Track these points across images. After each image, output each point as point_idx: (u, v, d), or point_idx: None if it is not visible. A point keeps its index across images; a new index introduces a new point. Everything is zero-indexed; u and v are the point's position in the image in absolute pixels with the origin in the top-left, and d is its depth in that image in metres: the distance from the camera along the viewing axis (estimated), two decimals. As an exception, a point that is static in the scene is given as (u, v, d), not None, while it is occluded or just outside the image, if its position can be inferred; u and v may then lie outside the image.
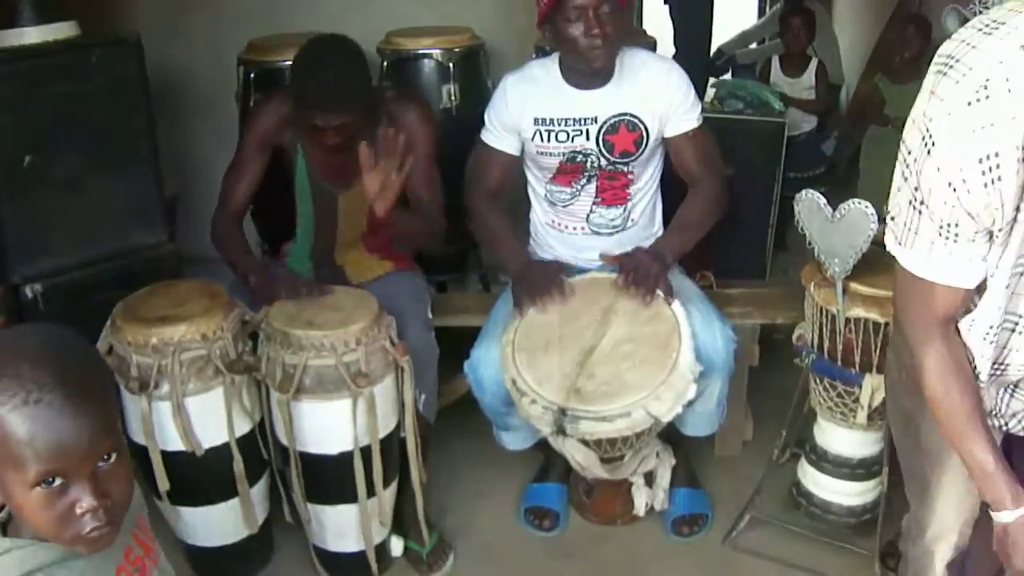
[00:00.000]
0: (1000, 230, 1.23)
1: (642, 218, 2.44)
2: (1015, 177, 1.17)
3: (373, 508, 2.20)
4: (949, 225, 1.22)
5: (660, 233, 2.45)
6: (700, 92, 2.87)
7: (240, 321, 2.14)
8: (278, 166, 2.45)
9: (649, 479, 2.46)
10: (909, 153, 1.25)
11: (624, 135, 2.29)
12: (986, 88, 1.13)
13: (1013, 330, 1.36)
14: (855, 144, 3.95)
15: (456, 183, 2.44)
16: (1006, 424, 1.50)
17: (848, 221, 2.02)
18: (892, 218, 1.34)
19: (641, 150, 2.32)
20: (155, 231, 2.54)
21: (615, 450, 2.19)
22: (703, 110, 2.40)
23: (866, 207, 2.00)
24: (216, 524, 2.23)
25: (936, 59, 1.22)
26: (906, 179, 1.26)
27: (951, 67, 1.17)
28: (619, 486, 2.44)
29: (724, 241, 2.80)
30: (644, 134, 2.30)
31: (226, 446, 2.10)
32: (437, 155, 2.41)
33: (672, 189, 2.47)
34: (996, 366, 1.40)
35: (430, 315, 2.46)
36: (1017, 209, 1.22)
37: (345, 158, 2.27)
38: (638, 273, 2.21)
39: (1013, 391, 1.46)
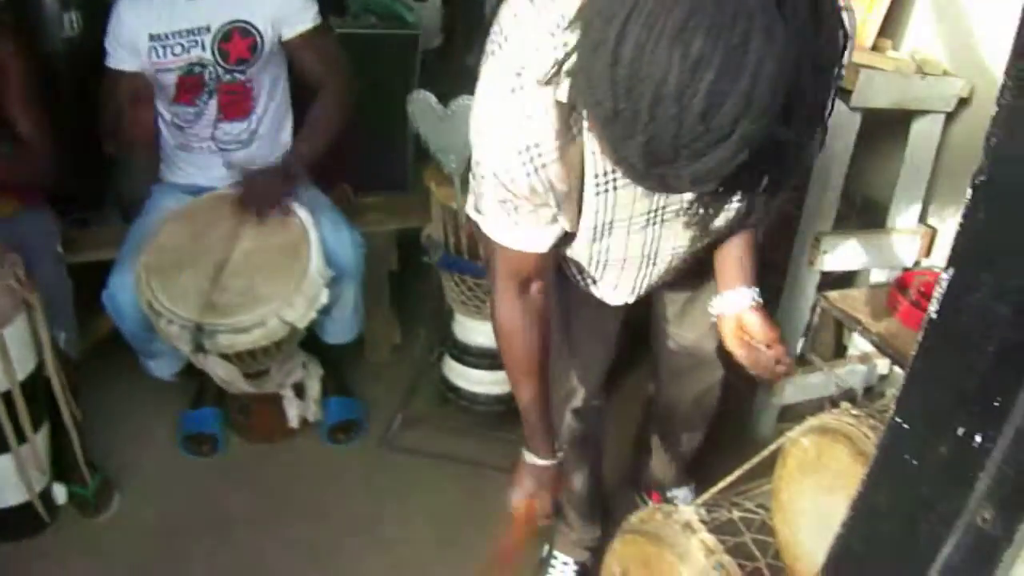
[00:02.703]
0: (558, 205, 1.41)
1: (269, 132, 2.70)
2: (558, 163, 1.32)
3: (28, 455, 2.31)
4: (507, 201, 1.39)
5: (288, 146, 2.72)
6: (332, 6, 3.20)
7: None
8: None
9: (300, 392, 2.76)
10: (472, 124, 1.37)
11: (238, 42, 2.53)
12: (520, 77, 1.25)
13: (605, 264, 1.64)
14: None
15: (90, 114, 2.59)
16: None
17: (460, 117, 2.34)
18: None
19: (256, 55, 2.56)
20: None
21: (257, 363, 2.46)
22: (337, 27, 2.72)
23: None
24: None
25: (493, 29, 1.31)
26: (474, 147, 1.39)
27: (500, 47, 1.28)
28: (271, 402, 2.73)
29: (363, 155, 3.12)
30: (258, 39, 2.54)
31: None
32: (41, 87, 2.50)
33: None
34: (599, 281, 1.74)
35: (60, 250, 2.61)
36: (582, 181, 1.39)
37: None
38: (252, 193, 2.49)
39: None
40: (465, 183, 2.41)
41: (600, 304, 1.82)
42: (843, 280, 2.76)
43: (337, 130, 2.64)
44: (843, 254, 2.59)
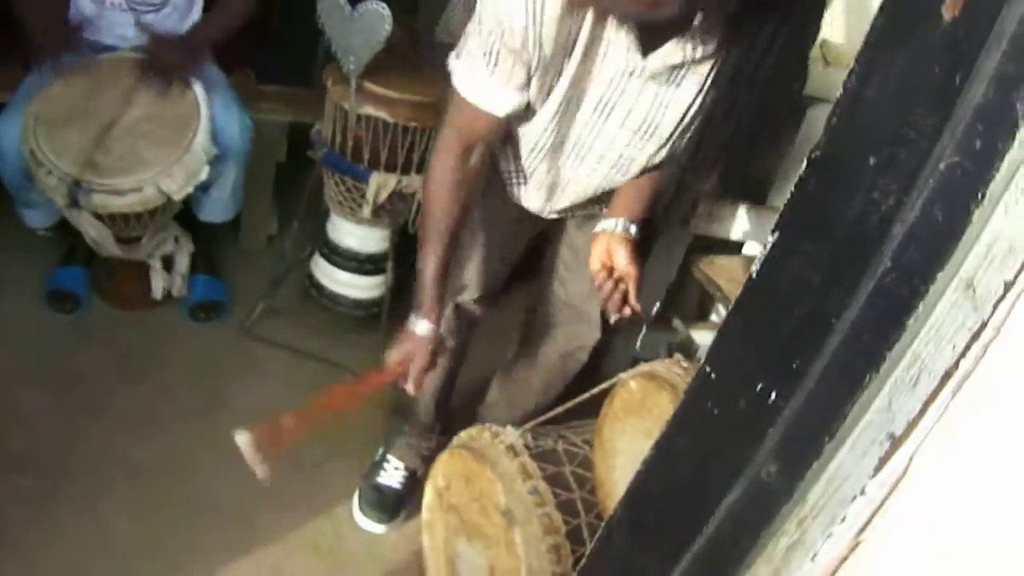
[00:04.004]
0: (537, 69, 1.57)
1: (183, 2, 2.82)
2: (556, 23, 1.49)
3: None
4: (490, 53, 1.55)
5: (197, 20, 2.85)
6: None
7: None
8: None
9: (168, 265, 2.92)
10: None
11: None
12: None
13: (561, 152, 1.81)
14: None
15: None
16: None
17: (366, 20, 2.49)
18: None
19: None
20: None
21: (130, 228, 2.63)
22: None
23: (383, 8, 2.47)
24: None
25: None
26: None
27: None
28: (138, 269, 2.88)
29: (273, 45, 3.30)
30: None
31: None
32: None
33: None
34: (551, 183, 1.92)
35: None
36: (568, 55, 1.57)
37: None
38: (156, 59, 2.62)
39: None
40: (360, 87, 2.58)
41: (517, 220, 2.03)
42: (715, 249, 2.99)
43: (248, 14, 2.80)
44: (719, 222, 2.80)
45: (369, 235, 2.88)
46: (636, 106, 1.69)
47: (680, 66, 1.61)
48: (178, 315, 3.00)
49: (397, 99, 2.59)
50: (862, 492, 0.79)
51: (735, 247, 2.90)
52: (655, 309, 2.91)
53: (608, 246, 1.88)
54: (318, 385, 2.69)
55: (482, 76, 1.63)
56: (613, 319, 1.93)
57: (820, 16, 1.41)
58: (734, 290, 2.69)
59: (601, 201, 1.97)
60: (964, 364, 0.72)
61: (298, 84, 3.17)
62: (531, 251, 2.29)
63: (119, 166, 2.50)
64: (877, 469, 0.78)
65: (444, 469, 2.07)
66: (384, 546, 2.48)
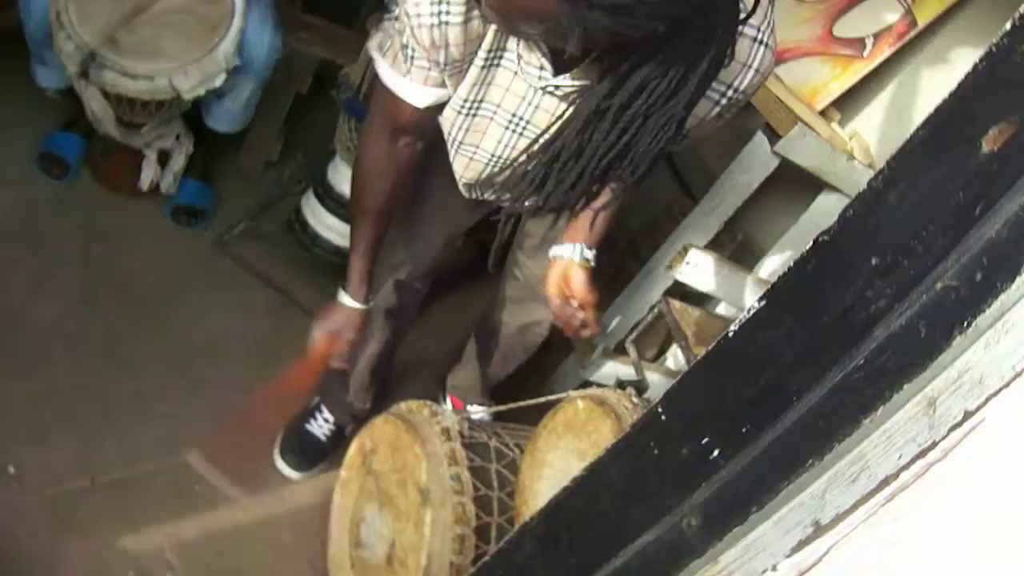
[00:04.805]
0: (447, 67, 1.58)
1: None
2: (461, 27, 1.50)
3: None
4: (408, 47, 1.57)
5: None
6: None
7: None
8: None
9: (164, 160, 2.92)
10: None
11: None
12: None
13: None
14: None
15: None
16: None
17: None
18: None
19: None
20: None
21: (134, 113, 2.63)
22: None
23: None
24: None
25: None
26: None
27: None
28: (133, 156, 2.88)
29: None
30: None
31: None
32: None
33: None
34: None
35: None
36: (471, 57, 1.58)
37: None
38: None
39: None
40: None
41: (463, 202, 2.03)
42: (691, 297, 3.02)
43: None
44: (702, 274, 2.81)
45: (365, 186, 2.86)
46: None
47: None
48: (159, 211, 3.00)
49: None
50: (774, 568, 0.81)
51: (710, 301, 2.93)
52: (617, 340, 2.94)
53: (565, 272, 1.93)
54: (275, 318, 2.76)
55: (401, 70, 1.65)
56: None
57: (698, 87, 1.32)
58: (699, 343, 2.72)
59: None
60: (904, 475, 0.74)
61: (340, 22, 3.16)
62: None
63: (138, 50, 2.51)
64: (795, 550, 0.80)
65: (374, 433, 2.09)
66: (293, 491, 2.51)
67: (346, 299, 1.97)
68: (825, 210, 2.74)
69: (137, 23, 2.53)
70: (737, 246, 3.03)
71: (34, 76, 2.83)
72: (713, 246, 2.85)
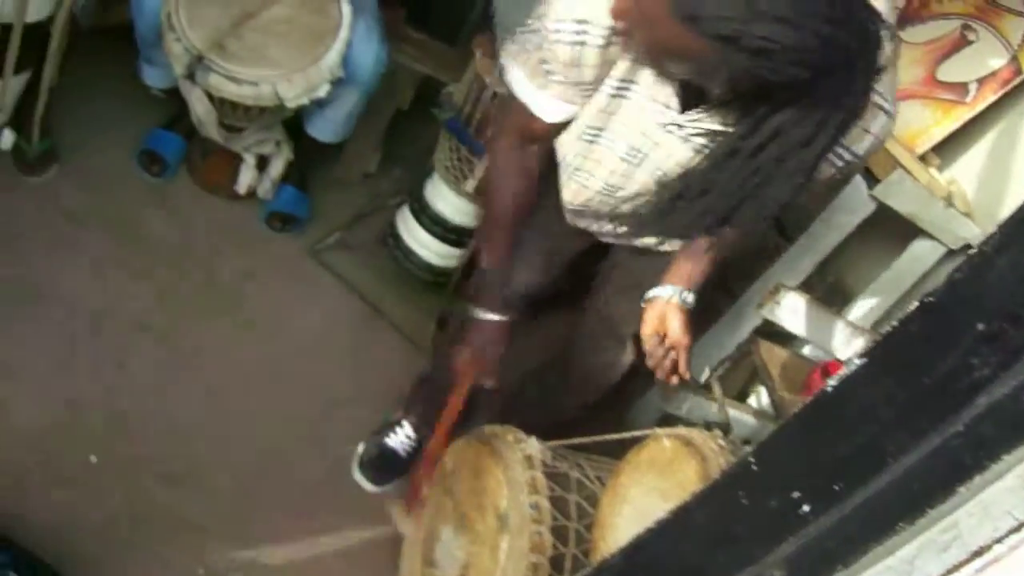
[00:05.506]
0: (581, 87, 1.64)
1: None
2: (599, 50, 1.55)
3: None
4: (546, 61, 1.61)
5: None
6: None
7: None
8: None
9: (263, 165, 2.97)
10: None
11: None
12: None
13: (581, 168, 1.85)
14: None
15: None
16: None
17: (535, 2, 2.59)
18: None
19: None
20: None
21: (236, 117, 2.68)
22: None
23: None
24: None
25: None
26: (539, 2, 1.60)
27: None
28: (232, 159, 2.93)
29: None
30: None
31: None
32: None
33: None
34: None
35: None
36: (600, 84, 1.67)
37: None
38: None
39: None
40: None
41: (566, 232, 2.06)
42: (778, 337, 2.99)
43: None
44: (792, 315, 2.79)
45: (463, 208, 2.90)
46: (668, 164, 1.70)
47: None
48: (255, 216, 3.05)
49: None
50: (854, 628, 0.80)
51: (795, 340, 2.90)
52: (704, 375, 2.92)
53: (662, 313, 1.92)
54: (358, 330, 2.79)
55: (537, 84, 1.68)
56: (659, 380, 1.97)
57: (834, 137, 1.37)
58: (784, 384, 2.69)
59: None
60: (998, 548, 0.73)
61: (442, 38, 3.19)
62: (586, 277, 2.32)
63: (244, 56, 2.56)
64: (880, 613, 0.79)
65: (456, 454, 2.11)
66: (367, 504, 2.52)
67: (486, 314, 1.99)
68: (919, 257, 2.71)
69: (245, 29, 2.58)
70: (827, 288, 2.99)
71: (140, 74, 2.92)
72: (804, 287, 2.82)
